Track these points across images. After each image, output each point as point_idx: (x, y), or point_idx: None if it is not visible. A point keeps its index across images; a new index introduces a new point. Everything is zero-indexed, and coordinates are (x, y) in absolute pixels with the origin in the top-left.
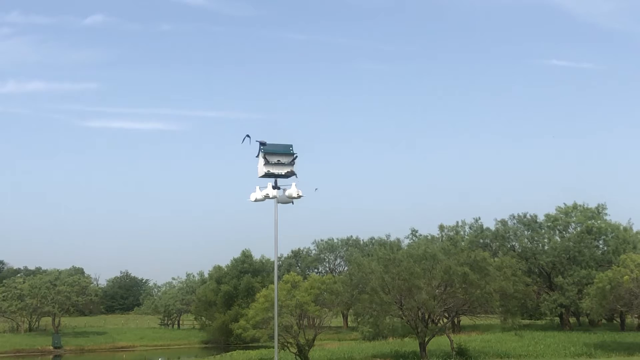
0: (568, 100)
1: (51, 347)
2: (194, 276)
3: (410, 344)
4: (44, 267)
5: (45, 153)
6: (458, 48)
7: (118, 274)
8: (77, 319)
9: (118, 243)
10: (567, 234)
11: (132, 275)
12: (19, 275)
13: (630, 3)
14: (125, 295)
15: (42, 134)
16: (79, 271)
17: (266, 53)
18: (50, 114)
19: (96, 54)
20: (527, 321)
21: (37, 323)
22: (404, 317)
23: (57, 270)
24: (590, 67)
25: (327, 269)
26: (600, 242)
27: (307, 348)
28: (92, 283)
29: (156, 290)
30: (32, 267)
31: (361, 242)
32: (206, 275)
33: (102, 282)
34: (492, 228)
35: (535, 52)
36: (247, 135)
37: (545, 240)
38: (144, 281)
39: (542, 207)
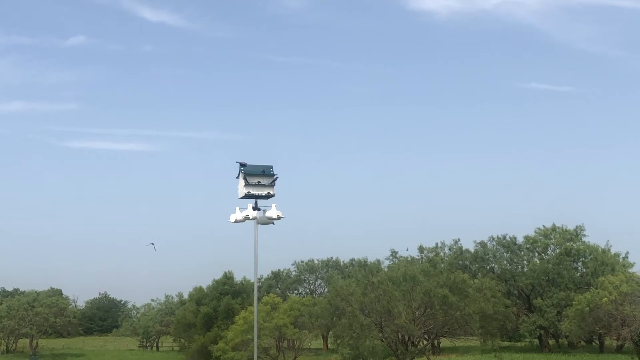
0: (548, 123)
1: None
2: (172, 297)
3: None
4: (22, 289)
5: (23, 174)
6: (437, 72)
7: (97, 296)
8: (55, 340)
9: (97, 264)
10: (546, 256)
11: (111, 296)
12: None
13: (608, 28)
14: (104, 316)
15: (20, 155)
16: (57, 292)
17: (247, 74)
18: (29, 134)
19: (77, 75)
20: (506, 343)
21: (14, 345)
22: (383, 340)
23: (35, 291)
24: (570, 91)
25: (307, 290)
26: (579, 264)
27: None
28: (71, 304)
29: (135, 311)
30: (9, 289)
31: (341, 263)
32: (185, 297)
33: (81, 304)
34: (472, 250)
35: (515, 75)
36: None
37: (525, 262)
38: (122, 302)
39: (521, 229)
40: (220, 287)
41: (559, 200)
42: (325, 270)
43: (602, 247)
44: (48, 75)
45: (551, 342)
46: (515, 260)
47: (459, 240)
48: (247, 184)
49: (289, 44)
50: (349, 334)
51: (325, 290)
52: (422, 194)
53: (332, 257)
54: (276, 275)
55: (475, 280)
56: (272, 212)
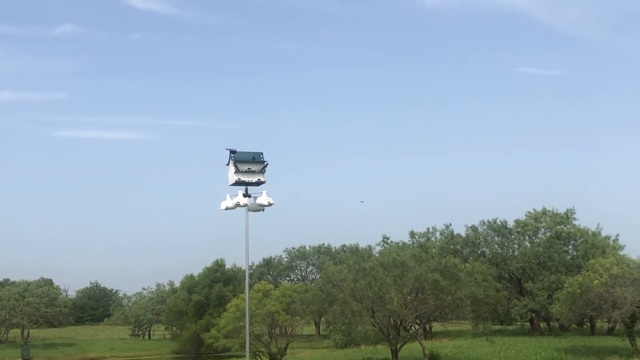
0: (537, 106)
1: (20, 359)
2: (164, 286)
3: (383, 351)
4: (12, 279)
5: (13, 163)
6: (428, 57)
7: (87, 285)
8: (47, 330)
9: (87, 253)
10: (537, 240)
11: (102, 285)
12: None
13: (597, 11)
14: (95, 306)
15: (10, 145)
16: (48, 282)
17: (238, 62)
18: (19, 124)
19: (66, 64)
20: (498, 327)
21: (5, 335)
22: (375, 325)
23: (26, 281)
24: (559, 74)
25: (299, 277)
26: (570, 247)
27: (279, 357)
28: (62, 294)
29: (126, 300)
30: None
31: (333, 249)
32: (177, 285)
33: (72, 293)
34: (463, 234)
35: (504, 59)
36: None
37: (515, 245)
38: (113, 292)
39: (511, 212)
40: (212, 274)
41: (549, 184)
42: (316, 256)
43: (593, 230)
44: (37, 65)
45: (542, 325)
46: (506, 244)
47: (450, 224)
48: (237, 171)
49: (279, 30)
50: (341, 319)
51: (317, 276)
52: (414, 179)
53: (323, 244)
54: (267, 262)
55: (467, 265)
56: (263, 199)
